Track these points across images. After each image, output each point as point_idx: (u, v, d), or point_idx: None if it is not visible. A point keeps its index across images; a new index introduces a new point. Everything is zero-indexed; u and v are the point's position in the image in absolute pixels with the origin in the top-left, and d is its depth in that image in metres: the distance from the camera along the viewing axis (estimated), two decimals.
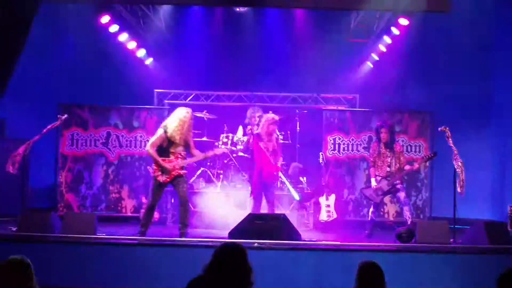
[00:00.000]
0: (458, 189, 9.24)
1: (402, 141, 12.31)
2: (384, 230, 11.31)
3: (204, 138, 12.51)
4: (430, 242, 8.60)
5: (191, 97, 13.47)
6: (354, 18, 13.03)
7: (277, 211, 10.33)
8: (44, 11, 10.26)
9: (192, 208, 10.56)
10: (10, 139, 11.97)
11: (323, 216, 11.43)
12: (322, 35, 13.67)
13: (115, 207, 12.34)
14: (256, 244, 7.98)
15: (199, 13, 13.86)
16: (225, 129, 12.64)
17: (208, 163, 12.22)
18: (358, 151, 12.58)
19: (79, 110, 12.43)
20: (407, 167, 10.21)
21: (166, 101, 13.36)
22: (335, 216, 11.48)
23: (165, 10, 13.22)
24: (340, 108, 13.19)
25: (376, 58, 13.38)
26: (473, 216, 11.16)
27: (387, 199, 11.62)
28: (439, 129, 9.71)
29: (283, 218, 8.81)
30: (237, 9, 13.54)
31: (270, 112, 11.39)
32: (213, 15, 13.95)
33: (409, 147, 12.48)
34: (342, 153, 12.58)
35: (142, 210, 11.42)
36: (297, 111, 13.09)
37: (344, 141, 12.59)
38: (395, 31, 12.22)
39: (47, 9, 10.62)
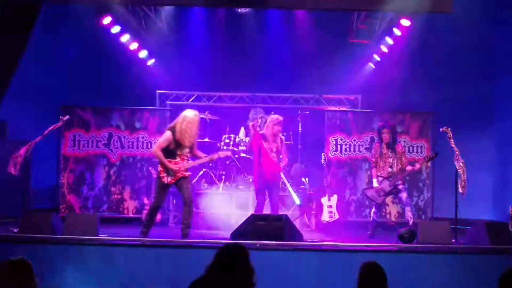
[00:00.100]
0: (460, 190, 9.23)
1: (404, 141, 12.31)
2: (386, 231, 11.31)
3: (206, 139, 12.52)
4: (432, 243, 8.58)
5: (193, 98, 13.48)
6: (356, 19, 13.02)
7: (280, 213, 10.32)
8: (46, 12, 10.28)
9: (195, 209, 10.57)
10: (11, 140, 11.98)
11: (325, 217, 11.43)
12: (324, 36, 13.66)
13: (117, 208, 12.35)
14: (258, 245, 7.98)
15: (200, 14, 13.86)
16: (227, 130, 12.65)
17: (210, 164, 12.22)
18: (360, 151, 12.58)
19: (81, 111, 12.45)
20: (408, 167, 10.21)
21: (168, 102, 13.37)
22: (337, 216, 11.48)
23: (166, 11, 13.21)
24: (342, 109, 13.21)
25: (378, 59, 13.37)
26: (475, 216, 11.13)
27: (389, 199, 11.62)
28: (441, 129, 9.70)
29: (285, 219, 8.81)
30: (239, 10, 13.53)
31: (273, 113, 11.41)
32: (215, 16, 13.94)
33: (411, 148, 12.48)
34: (344, 154, 12.58)
35: (145, 211, 11.47)
36: (299, 112, 13.10)
37: (346, 142, 12.59)
38: (397, 32, 12.20)
39: (48, 10, 10.64)
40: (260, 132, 10.18)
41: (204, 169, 12.26)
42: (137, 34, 13.21)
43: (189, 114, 9.15)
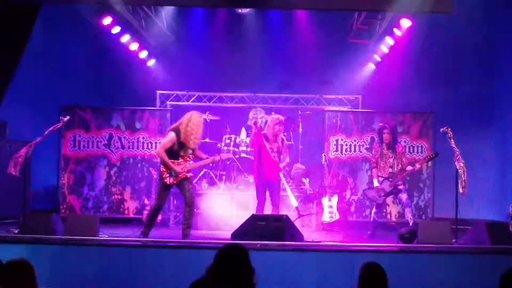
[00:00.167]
0: (460, 190, 9.22)
1: (405, 141, 12.30)
2: (387, 231, 11.29)
3: (207, 140, 12.50)
4: (432, 243, 8.58)
5: (193, 98, 13.48)
6: (357, 19, 13.02)
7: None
8: (46, 12, 10.29)
9: (195, 210, 10.56)
10: (12, 140, 11.98)
11: (326, 217, 11.43)
12: (324, 36, 13.68)
13: (118, 208, 12.35)
14: (259, 245, 7.98)
15: (201, 15, 13.86)
16: (227, 130, 12.65)
17: (211, 165, 12.21)
18: (361, 152, 12.57)
19: (81, 112, 12.45)
20: (409, 168, 10.21)
21: (168, 103, 13.36)
22: (337, 217, 11.47)
23: (167, 11, 13.22)
24: (342, 109, 13.19)
25: (379, 59, 13.37)
26: (475, 216, 11.15)
27: (389, 200, 11.61)
28: (441, 129, 9.70)
29: (285, 219, 8.81)
30: (239, 11, 13.53)
31: (273, 113, 11.40)
32: (215, 17, 13.95)
33: (411, 148, 12.48)
34: (345, 154, 12.57)
35: (145, 212, 11.48)
36: (300, 112, 13.09)
37: (346, 142, 12.59)
38: (397, 32, 12.20)
39: (48, 10, 10.64)
40: (262, 132, 10.18)
41: (204, 170, 12.25)
42: (137, 34, 13.21)
43: (194, 116, 9.19)
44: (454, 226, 9.15)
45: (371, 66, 13.66)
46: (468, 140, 11.65)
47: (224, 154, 10.53)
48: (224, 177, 12.26)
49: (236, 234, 8.72)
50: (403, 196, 10.17)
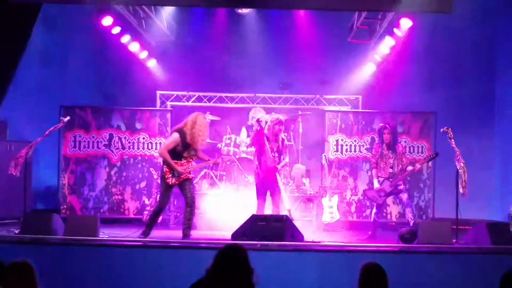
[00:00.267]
0: (461, 190, 9.23)
1: (405, 142, 12.30)
2: (387, 231, 11.31)
3: (207, 140, 12.50)
4: (433, 243, 8.59)
5: (193, 98, 13.47)
6: (357, 19, 13.01)
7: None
8: (46, 13, 10.30)
9: (195, 210, 10.57)
10: (12, 141, 11.97)
11: (326, 217, 11.43)
12: (325, 36, 13.67)
13: (118, 209, 12.35)
14: (259, 246, 7.98)
15: (201, 15, 13.85)
16: (228, 130, 12.65)
17: (211, 165, 12.21)
18: (361, 152, 12.56)
19: (81, 112, 12.44)
20: (409, 168, 10.21)
21: (168, 103, 13.35)
22: (338, 217, 11.48)
23: (167, 11, 13.20)
24: (343, 109, 13.18)
25: (379, 59, 13.36)
26: (476, 216, 11.14)
27: (389, 200, 11.61)
28: (442, 130, 9.71)
29: (285, 219, 8.81)
30: (239, 11, 13.53)
31: (273, 113, 11.40)
32: (215, 17, 13.94)
33: (411, 148, 12.47)
34: (345, 154, 12.57)
35: (145, 212, 11.48)
36: (300, 112, 13.08)
37: (346, 142, 12.58)
38: (397, 32, 12.20)
39: (49, 11, 10.65)
40: (265, 132, 10.19)
41: (205, 170, 12.23)
42: (137, 34, 13.21)
43: (200, 117, 9.24)
44: (455, 226, 9.16)
45: (371, 66, 13.64)
46: (469, 140, 11.67)
47: (226, 156, 10.51)
48: (224, 178, 12.27)
49: (236, 235, 8.73)
50: (404, 196, 10.18)
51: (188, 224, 9.09)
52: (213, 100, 13.52)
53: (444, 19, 11.77)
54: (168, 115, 12.65)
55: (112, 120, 12.51)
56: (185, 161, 9.08)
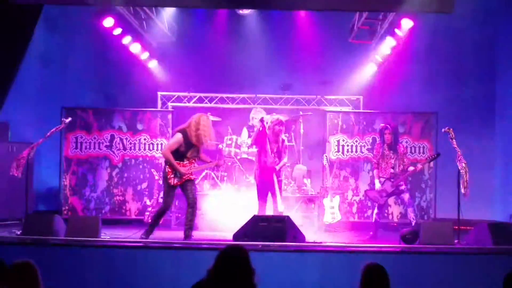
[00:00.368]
0: (462, 190, 9.24)
1: (406, 142, 12.29)
2: (388, 232, 11.30)
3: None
4: (435, 243, 8.59)
5: (194, 99, 13.47)
6: (358, 19, 13.01)
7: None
8: (47, 14, 10.30)
9: (197, 211, 10.58)
10: (14, 142, 11.97)
11: (328, 218, 11.43)
12: (326, 36, 13.66)
13: (119, 210, 12.35)
14: (260, 246, 7.99)
15: (202, 16, 13.85)
16: (229, 131, 12.65)
17: (213, 166, 12.21)
18: (362, 152, 12.56)
19: (82, 113, 12.44)
20: (410, 168, 10.22)
21: (169, 104, 13.36)
22: (339, 217, 11.47)
23: (168, 12, 13.19)
24: (344, 109, 13.18)
25: (380, 59, 13.36)
26: (477, 217, 11.13)
27: (391, 200, 11.60)
28: (443, 130, 9.71)
29: (287, 220, 8.81)
30: (240, 11, 13.52)
31: (274, 114, 11.40)
32: (216, 18, 13.94)
33: (413, 148, 12.47)
34: (346, 155, 12.57)
35: (147, 213, 11.49)
36: (301, 113, 13.08)
37: (348, 143, 12.58)
38: (398, 32, 12.19)
39: (50, 12, 10.65)
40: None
41: (206, 171, 12.23)
42: (138, 35, 13.21)
43: (203, 118, 9.27)
44: (456, 227, 9.16)
45: (372, 67, 13.64)
46: (470, 140, 11.67)
47: (228, 159, 10.50)
48: (225, 178, 12.27)
49: (237, 235, 8.73)
50: (405, 196, 10.18)
51: (189, 225, 9.10)
52: (214, 101, 13.52)
53: (445, 19, 11.76)
54: (169, 116, 12.66)
55: (113, 121, 12.51)
56: (188, 162, 9.09)
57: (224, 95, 13.56)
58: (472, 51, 13.08)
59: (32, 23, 9.69)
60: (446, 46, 13.22)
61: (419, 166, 10.33)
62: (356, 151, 12.58)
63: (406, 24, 11.83)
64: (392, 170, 10.23)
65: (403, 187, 10.22)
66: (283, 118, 10.52)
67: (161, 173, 9.77)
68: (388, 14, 11.92)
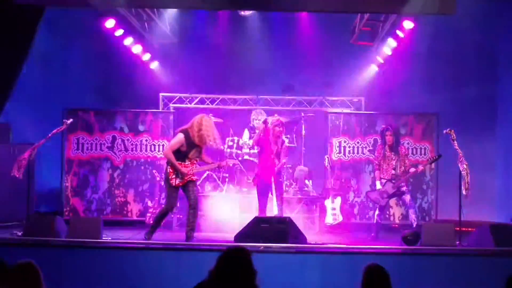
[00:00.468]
0: (464, 192, 9.23)
1: (408, 143, 12.28)
2: (390, 233, 11.29)
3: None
4: (436, 245, 8.59)
5: (196, 100, 13.48)
6: (359, 21, 13.01)
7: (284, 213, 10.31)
8: (50, 16, 10.30)
9: (199, 212, 10.58)
10: (15, 143, 11.98)
11: (329, 219, 11.43)
12: (327, 38, 13.65)
13: (121, 211, 12.34)
14: (262, 247, 7.99)
15: (203, 17, 13.84)
16: (230, 132, 12.65)
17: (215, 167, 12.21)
18: (364, 154, 12.56)
19: (84, 114, 12.45)
20: (411, 169, 10.22)
21: (171, 105, 13.37)
22: (340, 219, 11.47)
23: (170, 14, 13.19)
24: (345, 111, 13.17)
25: (381, 61, 13.36)
26: (479, 218, 11.14)
27: (392, 201, 11.61)
28: (444, 131, 9.71)
29: (288, 221, 8.81)
30: (242, 13, 13.52)
31: (276, 115, 11.41)
32: (218, 19, 13.94)
33: (414, 150, 12.46)
34: (348, 156, 12.56)
35: (148, 214, 11.49)
36: (303, 114, 13.08)
37: (349, 144, 12.58)
38: (400, 34, 12.19)
39: (51, 14, 10.65)
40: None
41: (208, 172, 12.23)
42: (140, 37, 13.22)
43: (205, 118, 9.29)
44: (458, 228, 9.16)
45: (373, 68, 13.65)
46: (472, 141, 11.65)
47: (231, 160, 10.54)
48: (227, 179, 12.27)
49: (239, 237, 8.73)
50: (407, 197, 10.19)
51: (191, 226, 9.09)
52: (216, 102, 13.52)
53: (446, 21, 11.74)
54: (171, 117, 12.66)
55: (115, 122, 12.52)
56: (189, 162, 9.08)
57: (226, 96, 13.57)
58: (473, 52, 13.07)
59: (34, 25, 9.69)
60: (448, 48, 13.21)
61: (421, 167, 10.34)
62: (357, 153, 12.58)
63: (408, 25, 11.84)
64: (393, 172, 10.24)
65: (404, 188, 10.22)
66: (283, 119, 10.52)
67: (163, 174, 9.76)
68: (390, 16, 11.92)
